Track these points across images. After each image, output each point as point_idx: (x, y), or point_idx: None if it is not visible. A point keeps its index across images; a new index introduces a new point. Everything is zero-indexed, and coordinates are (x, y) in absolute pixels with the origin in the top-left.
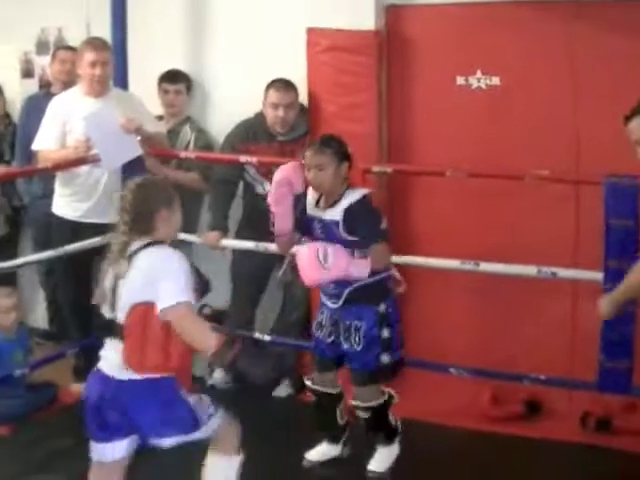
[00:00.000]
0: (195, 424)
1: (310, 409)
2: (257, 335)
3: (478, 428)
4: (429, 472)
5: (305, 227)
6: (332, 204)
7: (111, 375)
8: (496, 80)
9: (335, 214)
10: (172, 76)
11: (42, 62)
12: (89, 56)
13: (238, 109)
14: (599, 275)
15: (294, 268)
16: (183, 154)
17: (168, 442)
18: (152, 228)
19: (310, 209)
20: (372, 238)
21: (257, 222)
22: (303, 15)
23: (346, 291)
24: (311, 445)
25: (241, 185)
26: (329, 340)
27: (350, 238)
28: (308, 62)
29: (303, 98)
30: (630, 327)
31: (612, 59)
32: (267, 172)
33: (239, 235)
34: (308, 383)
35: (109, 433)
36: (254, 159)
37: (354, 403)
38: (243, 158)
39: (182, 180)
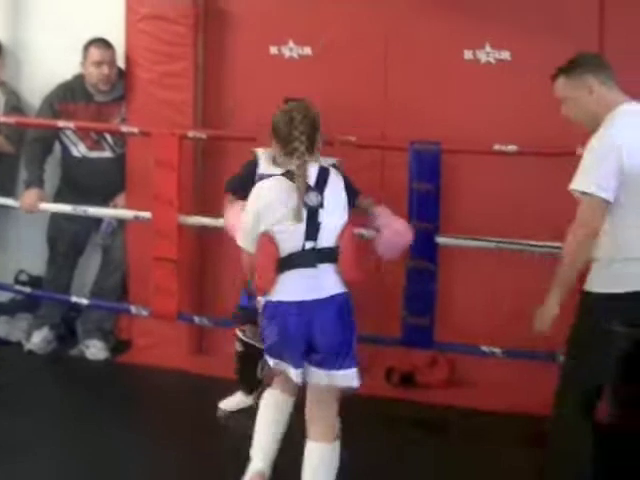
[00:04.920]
0: None
1: (236, 359)
2: (75, 299)
3: None
4: None
5: None
6: None
7: None
8: (308, 50)
9: None
10: None
11: None
12: None
13: (54, 73)
14: None
15: (113, 232)
16: (1, 119)
17: None
18: None
19: (264, 169)
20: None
21: (75, 185)
22: None
23: None
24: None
25: (59, 149)
26: None
27: None
28: (127, 29)
29: (120, 63)
30: (431, 285)
31: (418, 29)
32: (85, 135)
33: (57, 199)
34: (240, 334)
35: None
36: (71, 125)
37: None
38: (61, 124)
39: None
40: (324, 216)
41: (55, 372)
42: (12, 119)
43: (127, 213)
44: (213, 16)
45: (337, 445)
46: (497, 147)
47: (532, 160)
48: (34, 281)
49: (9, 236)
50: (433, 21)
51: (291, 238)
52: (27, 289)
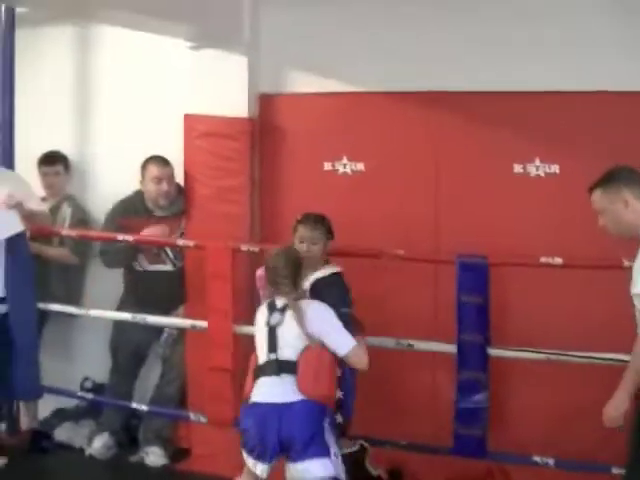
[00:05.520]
0: None
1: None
2: (135, 405)
3: None
4: None
5: None
6: (308, 274)
7: None
8: (361, 166)
9: (306, 283)
10: (50, 159)
11: None
12: None
13: (117, 188)
14: (453, 348)
15: (173, 342)
16: (65, 232)
17: None
18: None
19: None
20: (339, 305)
21: (137, 297)
22: (181, 101)
23: None
24: None
25: None
26: None
27: None
28: (185, 146)
29: (179, 180)
30: (483, 395)
31: (468, 145)
32: (145, 249)
33: (121, 310)
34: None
35: None
36: (130, 238)
37: None
38: (121, 237)
39: (52, 255)
40: (282, 333)
41: (114, 477)
42: (74, 232)
43: (184, 322)
44: (268, 132)
45: None
46: (544, 260)
47: (580, 272)
48: (97, 388)
49: (75, 344)
50: (483, 136)
51: (261, 350)
52: (90, 395)
